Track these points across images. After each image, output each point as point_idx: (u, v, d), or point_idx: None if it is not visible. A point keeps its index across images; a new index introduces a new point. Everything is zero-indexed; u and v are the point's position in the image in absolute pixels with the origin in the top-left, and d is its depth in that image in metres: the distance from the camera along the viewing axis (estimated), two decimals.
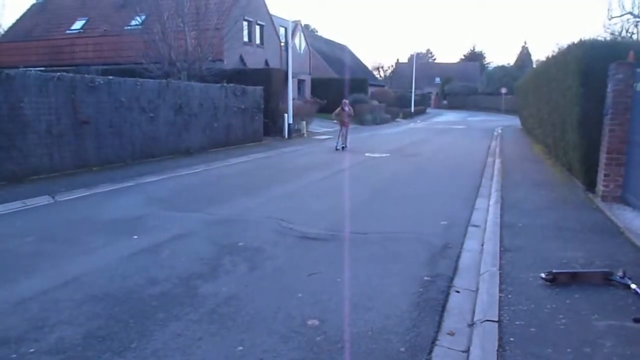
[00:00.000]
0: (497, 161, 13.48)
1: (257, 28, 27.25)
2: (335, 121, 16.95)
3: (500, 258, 5.36)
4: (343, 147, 16.40)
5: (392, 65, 79.62)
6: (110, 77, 12.43)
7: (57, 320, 3.98)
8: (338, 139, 16.64)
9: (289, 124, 21.19)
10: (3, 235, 6.40)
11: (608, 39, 19.98)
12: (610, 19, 27.06)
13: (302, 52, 34.39)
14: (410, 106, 45.52)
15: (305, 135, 22.84)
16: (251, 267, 5.27)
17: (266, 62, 27.47)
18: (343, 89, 32.60)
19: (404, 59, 75.67)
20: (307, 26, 54.56)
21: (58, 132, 10.88)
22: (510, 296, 4.37)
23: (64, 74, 11.23)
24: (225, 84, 17.17)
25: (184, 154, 14.85)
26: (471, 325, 3.97)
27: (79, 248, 5.89)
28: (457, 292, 4.63)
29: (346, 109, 16.86)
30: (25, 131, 10.17)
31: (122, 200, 8.64)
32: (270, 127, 20.67)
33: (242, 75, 20.37)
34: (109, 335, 3.76)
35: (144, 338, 3.72)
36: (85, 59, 24.39)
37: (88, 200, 8.60)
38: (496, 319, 3.94)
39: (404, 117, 42.35)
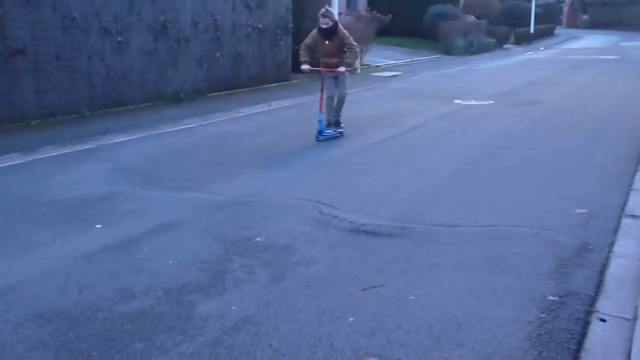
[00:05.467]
0: None
1: None
2: (304, 66, 10.90)
3: None
4: (330, 127, 11.22)
5: None
6: None
7: None
8: (320, 108, 10.91)
9: None
10: None
11: None
12: None
13: None
14: (529, 24, 44.45)
15: (359, 70, 22.71)
16: (275, 275, 5.32)
17: None
18: None
19: None
20: None
21: None
22: None
23: None
24: None
25: (170, 100, 15.07)
26: None
27: (13, 243, 6.07)
28: (602, 320, 4.56)
29: (327, 26, 10.70)
30: None
31: (77, 171, 8.85)
32: None
33: None
34: None
35: None
36: None
37: (26, 171, 8.85)
38: None
39: (517, 42, 41.45)
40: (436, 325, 4.44)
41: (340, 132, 11.26)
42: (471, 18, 36.46)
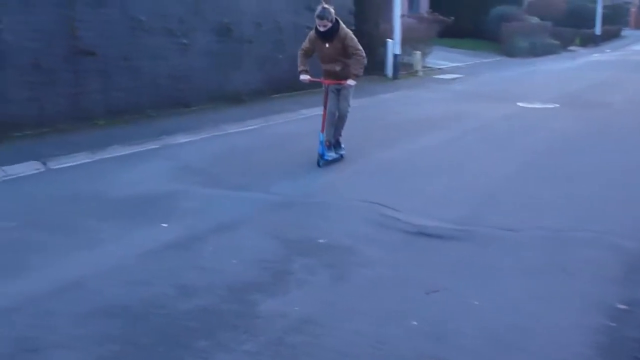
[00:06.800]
0: None
1: None
2: (303, 76, 9.30)
3: None
4: (331, 149, 9.52)
5: None
6: None
7: (50, 343, 4.25)
8: (322, 127, 9.32)
9: (394, 56, 21.05)
10: None
11: None
12: None
13: None
14: (594, 26, 43.56)
15: (420, 73, 22.61)
16: (336, 276, 5.34)
17: None
18: None
19: None
20: None
21: (49, 68, 11.50)
22: None
23: None
24: None
25: (232, 101, 15.21)
26: None
27: (81, 239, 6.23)
28: None
29: (325, 29, 8.96)
30: (3, 65, 10.84)
31: (142, 170, 9.04)
32: None
33: None
34: None
35: None
36: None
37: (93, 169, 9.07)
38: None
39: (583, 44, 40.66)
40: (499, 330, 4.41)
41: (341, 155, 9.64)
42: (535, 19, 35.88)
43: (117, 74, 12.75)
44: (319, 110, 13.40)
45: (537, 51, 32.11)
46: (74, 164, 9.34)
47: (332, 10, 8.77)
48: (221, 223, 6.67)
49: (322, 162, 9.14)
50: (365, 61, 9.28)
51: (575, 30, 40.24)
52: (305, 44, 9.33)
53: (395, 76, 20.95)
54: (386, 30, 21.21)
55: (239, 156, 10.00)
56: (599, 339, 4.30)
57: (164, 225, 6.61)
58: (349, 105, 9.56)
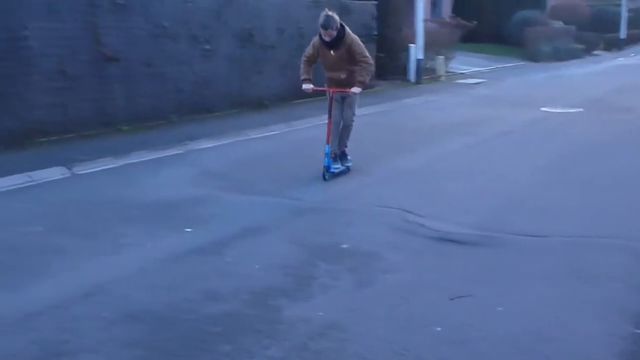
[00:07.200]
0: None
1: None
2: (306, 85, 8.87)
3: None
4: (337, 161, 9.09)
5: None
6: None
7: (77, 347, 4.28)
8: (327, 138, 8.92)
9: (417, 61, 21.04)
10: (0, 222, 6.98)
11: None
12: None
13: None
14: (619, 30, 43.19)
15: (443, 78, 22.57)
16: (360, 282, 5.34)
17: None
18: (504, 2, 31.65)
19: None
20: None
21: (73, 74, 11.62)
22: None
23: None
24: None
25: (254, 106, 15.27)
26: None
27: (106, 243, 6.29)
28: None
29: (331, 38, 8.51)
30: (29, 72, 10.97)
31: (166, 175, 9.10)
32: (387, 65, 20.62)
33: None
34: None
35: None
36: None
37: (117, 174, 9.16)
38: None
39: (607, 48, 40.30)
40: (523, 337, 4.37)
41: (347, 167, 9.18)
42: (558, 24, 35.68)
43: (140, 80, 12.86)
44: None
45: (561, 56, 31.90)
46: (99, 169, 9.43)
47: (337, 17, 8.31)
48: (245, 228, 6.69)
49: (328, 175, 8.67)
50: (373, 68, 8.74)
51: (599, 34, 39.92)
52: (309, 51, 8.85)
53: (418, 81, 20.94)
54: (409, 35, 21.23)
55: (261, 161, 10.04)
56: (624, 346, 4.25)
57: (188, 230, 6.64)
58: (353, 114, 9.16)
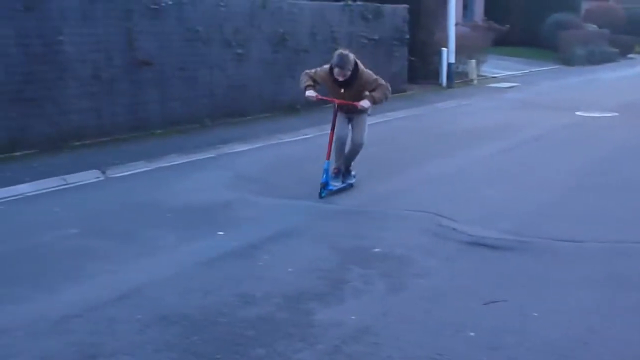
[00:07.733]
0: None
1: None
2: (309, 92, 8.25)
3: None
4: (338, 177, 8.48)
5: None
6: None
7: (111, 349, 4.32)
8: (328, 154, 8.31)
9: (449, 65, 20.94)
10: (37, 225, 7.09)
11: None
12: None
13: None
14: None
15: (475, 82, 22.43)
16: (393, 286, 5.33)
17: None
18: (537, 5, 31.37)
19: None
20: None
21: (108, 78, 11.76)
22: None
23: None
24: (349, 2, 17.32)
25: (287, 110, 15.28)
26: None
27: (140, 246, 6.36)
28: None
29: (344, 78, 7.97)
30: (64, 76, 11.12)
31: (199, 178, 9.15)
32: (418, 69, 20.58)
33: None
34: None
35: None
36: None
37: (151, 178, 9.24)
38: None
39: None
40: (560, 343, 4.34)
41: (350, 184, 8.54)
42: (593, 27, 35.25)
43: (174, 84, 12.94)
44: (377, 119, 12.52)
45: (595, 59, 31.49)
46: (132, 172, 9.52)
47: (352, 56, 7.83)
48: (277, 231, 6.71)
49: (325, 193, 8.00)
50: (389, 91, 8.10)
51: (634, 37, 39.37)
52: (313, 76, 8.22)
53: (450, 85, 20.83)
54: (441, 38, 21.12)
55: (294, 165, 10.05)
56: None
57: (221, 233, 6.69)
58: (364, 136, 8.40)
